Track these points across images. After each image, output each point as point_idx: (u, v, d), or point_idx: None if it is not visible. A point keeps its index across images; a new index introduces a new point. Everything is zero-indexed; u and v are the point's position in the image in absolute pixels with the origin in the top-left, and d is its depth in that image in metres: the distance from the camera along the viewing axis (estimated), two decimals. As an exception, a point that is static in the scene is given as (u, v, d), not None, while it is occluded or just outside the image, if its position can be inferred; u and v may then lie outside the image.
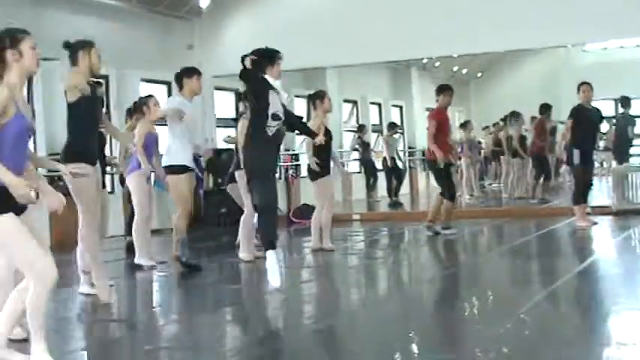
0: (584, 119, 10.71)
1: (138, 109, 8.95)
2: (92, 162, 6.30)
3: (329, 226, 9.64)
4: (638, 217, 12.12)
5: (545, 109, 15.56)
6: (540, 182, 15.45)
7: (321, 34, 14.17)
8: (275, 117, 6.77)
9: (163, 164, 8.25)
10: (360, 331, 5.58)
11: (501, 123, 18.04)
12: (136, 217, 8.80)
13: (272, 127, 6.74)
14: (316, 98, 9.65)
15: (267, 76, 6.88)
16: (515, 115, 16.83)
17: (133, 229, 8.76)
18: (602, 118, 11.40)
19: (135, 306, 7.23)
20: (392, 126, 18.29)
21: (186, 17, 15.19)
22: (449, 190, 10.69)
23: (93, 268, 6.42)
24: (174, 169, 8.09)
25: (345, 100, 20.27)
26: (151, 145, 8.77)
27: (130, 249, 9.43)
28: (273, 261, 6.65)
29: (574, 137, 10.84)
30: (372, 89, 21.42)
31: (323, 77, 18.03)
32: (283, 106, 6.92)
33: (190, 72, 8.30)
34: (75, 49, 6.48)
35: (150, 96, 9.18)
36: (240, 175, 8.71)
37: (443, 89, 10.83)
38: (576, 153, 10.74)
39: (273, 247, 6.74)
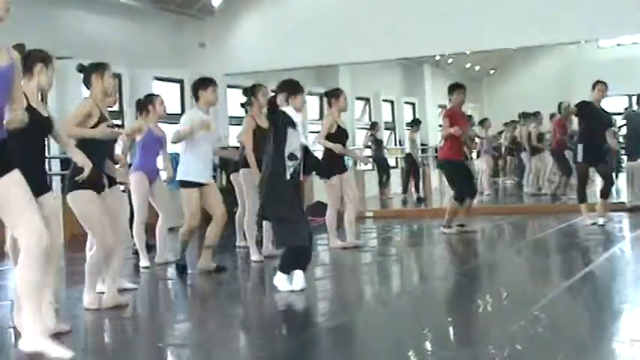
0: (592, 116, 10.51)
1: (143, 106, 8.84)
2: (98, 189, 6.15)
3: (334, 225, 9.67)
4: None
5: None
6: (564, 179, 15.58)
7: (332, 31, 14.18)
8: (292, 157, 6.55)
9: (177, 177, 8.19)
10: (373, 329, 5.58)
11: (521, 121, 18.13)
12: (135, 219, 8.69)
13: (289, 167, 6.54)
14: (332, 96, 9.58)
15: (289, 108, 6.72)
16: (534, 114, 17.03)
17: (134, 232, 8.67)
18: (611, 119, 11.16)
19: (147, 306, 7.24)
20: (416, 122, 18.39)
21: (198, 15, 15.23)
22: (459, 192, 10.49)
23: (87, 277, 6.30)
24: (182, 183, 7.98)
25: (358, 98, 20.27)
26: (153, 144, 8.69)
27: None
28: (281, 282, 6.67)
29: (580, 134, 10.77)
30: (384, 86, 21.40)
31: (336, 75, 18.03)
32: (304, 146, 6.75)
33: (205, 83, 8.12)
34: (88, 72, 6.33)
35: (156, 95, 9.12)
36: (244, 174, 8.80)
37: (455, 88, 10.63)
38: (580, 149, 10.57)
39: (287, 273, 6.67)
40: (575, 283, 6.94)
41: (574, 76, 22.94)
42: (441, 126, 10.81)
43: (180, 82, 14.76)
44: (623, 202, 12.70)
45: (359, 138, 19.60)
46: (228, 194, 9.73)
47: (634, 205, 12.63)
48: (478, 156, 18.53)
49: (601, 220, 10.67)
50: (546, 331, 5.07)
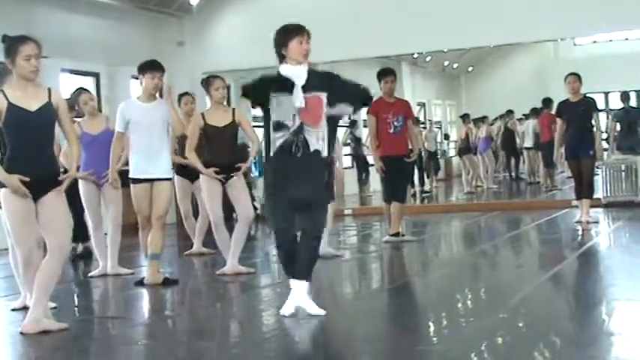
0: (566, 114, 10.40)
1: (71, 107, 8.00)
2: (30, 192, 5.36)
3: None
4: (626, 208, 12.26)
5: (549, 102, 16.11)
6: (551, 171, 17.08)
7: (310, 29, 14.17)
8: (278, 126, 5.40)
9: None
10: (350, 325, 5.62)
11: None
12: (90, 226, 8.26)
13: (277, 138, 5.39)
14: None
15: (286, 66, 5.48)
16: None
17: (92, 240, 8.29)
18: (591, 109, 10.49)
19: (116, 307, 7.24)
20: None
21: (177, 14, 15.20)
22: (386, 191, 9.71)
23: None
24: (130, 181, 7.44)
25: (337, 96, 20.31)
26: (89, 146, 7.98)
27: (82, 256, 9.26)
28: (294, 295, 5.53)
29: (566, 132, 10.54)
30: (363, 84, 21.46)
31: (314, 72, 18.02)
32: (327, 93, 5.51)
33: (141, 69, 7.37)
34: (5, 50, 5.41)
35: (82, 90, 8.44)
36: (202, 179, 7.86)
37: (382, 75, 9.81)
38: (563, 149, 10.59)
39: (293, 276, 5.50)
40: (552, 277, 7.04)
41: (551, 73, 23.07)
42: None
43: (159, 80, 14.73)
44: (599, 198, 12.79)
45: (338, 136, 19.65)
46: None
47: (609, 201, 12.77)
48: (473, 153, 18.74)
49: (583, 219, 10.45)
50: (526, 324, 5.15)
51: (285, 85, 5.41)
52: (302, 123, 5.40)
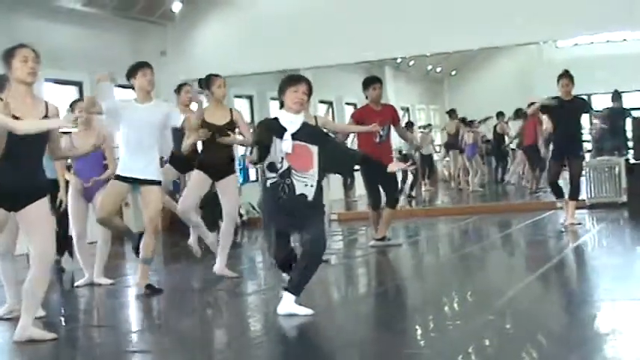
0: (559, 113, 10.32)
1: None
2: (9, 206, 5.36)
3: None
4: (610, 210, 12.32)
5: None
6: (537, 173, 16.80)
7: (294, 36, 14.21)
8: (270, 167, 5.69)
9: None
10: (337, 329, 5.62)
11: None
12: (74, 236, 8.16)
13: (269, 178, 5.70)
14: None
15: (283, 112, 5.80)
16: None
17: (75, 250, 8.18)
18: (585, 109, 10.64)
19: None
20: (427, 125, 19.99)
21: (159, 22, 15.18)
22: (372, 197, 9.75)
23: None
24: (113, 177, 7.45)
25: (321, 101, 20.31)
26: (79, 157, 7.89)
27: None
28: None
29: (552, 131, 10.55)
30: (347, 90, 21.45)
31: (298, 79, 18.00)
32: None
33: (131, 71, 7.43)
34: (2, 57, 5.42)
35: (77, 101, 8.51)
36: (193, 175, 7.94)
37: (369, 83, 10.05)
38: (552, 147, 10.62)
39: (285, 288, 5.88)
40: (538, 279, 7.07)
41: (534, 76, 23.20)
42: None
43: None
44: (584, 200, 12.85)
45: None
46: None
47: (593, 202, 12.83)
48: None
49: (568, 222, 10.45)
50: (513, 326, 5.16)
51: (281, 129, 5.71)
52: (290, 167, 5.66)
